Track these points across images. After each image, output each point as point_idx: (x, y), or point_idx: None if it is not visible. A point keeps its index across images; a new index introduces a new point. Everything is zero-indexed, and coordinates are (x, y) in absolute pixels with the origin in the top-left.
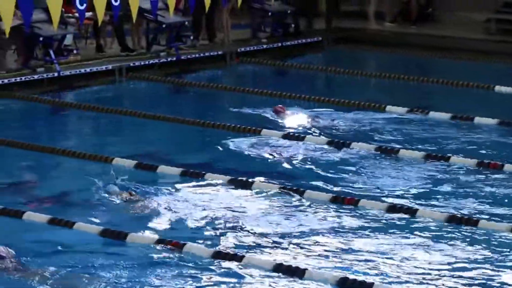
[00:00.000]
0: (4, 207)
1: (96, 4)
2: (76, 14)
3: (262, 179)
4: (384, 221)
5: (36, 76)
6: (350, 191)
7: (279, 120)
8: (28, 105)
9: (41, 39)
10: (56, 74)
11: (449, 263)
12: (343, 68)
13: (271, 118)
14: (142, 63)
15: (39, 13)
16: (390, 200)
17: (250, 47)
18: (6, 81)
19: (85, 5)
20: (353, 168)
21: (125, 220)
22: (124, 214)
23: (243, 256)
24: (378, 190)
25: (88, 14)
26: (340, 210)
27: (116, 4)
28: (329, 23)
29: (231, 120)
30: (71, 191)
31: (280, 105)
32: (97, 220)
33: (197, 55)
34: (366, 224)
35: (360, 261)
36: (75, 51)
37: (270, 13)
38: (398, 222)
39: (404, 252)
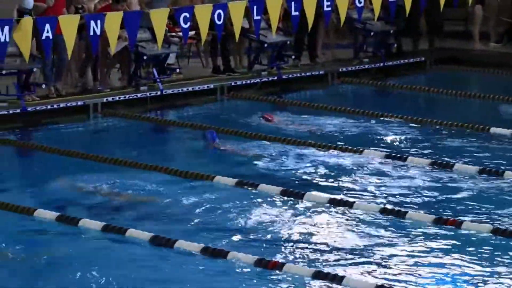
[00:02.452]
0: (107, 224)
1: (200, 23)
2: (180, 33)
3: (363, 199)
4: (488, 243)
5: (139, 95)
6: (453, 213)
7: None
8: (131, 123)
9: (145, 58)
10: (159, 93)
11: None
12: (446, 89)
13: (373, 138)
14: (244, 82)
15: (143, 32)
16: (493, 222)
17: (351, 67)
18: (110, 99)
19: (189, 23)
20: (455, 190)
21: (224, 238)
22: (223, 232)
23: (343, 277)
24: (482, 212)
25: (190, 33)
26: (442, 232)
27: (220, 23)
28: (432, 43)
29: (332, 139)
30: (172, 208)
31: (269, 114)
32: (200, 239)
33: (298, 75)
34: (469, 246)
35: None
36: (177, 70)
37: (372, 33)
38: (503, 245)
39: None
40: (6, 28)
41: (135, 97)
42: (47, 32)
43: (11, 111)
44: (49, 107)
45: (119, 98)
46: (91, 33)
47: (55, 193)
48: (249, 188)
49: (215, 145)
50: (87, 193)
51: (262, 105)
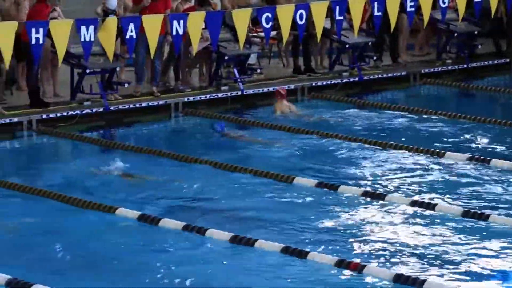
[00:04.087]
0: (187, 223)
1: (282, 23)
2: (261, 33)
3: (445, 201)
4: None
5: (220, 95)
6: None
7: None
8: (212, 122)
9: (226, 58)
10: (239, 93)
11: None
12: None
13: (455, 140)
14: (324, 83)
15: (224, 33)
16: None
17: (434, 68)
18: (191, 98)
19: (271, 23)
20: None
21: (304, 238)
22: (303, 232)
23: (425, 281)
24: None
25: (271, 33)
26: None
27: (302, 23)
28: None
29: (413, 141)
30: (251, 208)
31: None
32: (280, 239)
33: (379, 76)
34: None
35: None
36: (258, 70)
37: (456, 34)
38: None
39: None
40: (91, 28)
41: (215, 96)
42: (131, 31)
43: (94, 110)
44: (131, 106)
45: (200, 97)
46: (174, 33)
47: (137, 192)
48: (329, 189)
49: (225, 134)
50: (168, 192)
51: (342, 106)
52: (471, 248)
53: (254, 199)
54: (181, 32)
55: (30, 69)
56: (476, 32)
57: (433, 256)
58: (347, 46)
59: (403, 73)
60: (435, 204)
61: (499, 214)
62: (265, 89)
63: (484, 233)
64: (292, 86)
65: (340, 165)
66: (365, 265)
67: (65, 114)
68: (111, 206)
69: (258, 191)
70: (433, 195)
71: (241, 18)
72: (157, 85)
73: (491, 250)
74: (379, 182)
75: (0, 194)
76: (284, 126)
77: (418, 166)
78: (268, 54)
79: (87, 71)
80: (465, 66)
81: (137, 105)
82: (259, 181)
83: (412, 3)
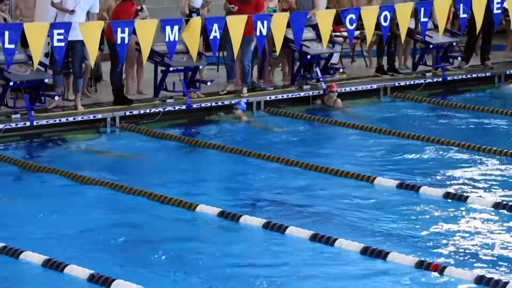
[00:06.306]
0: (268, 221)
1: (366, 24)
2: (344, 33)
3: None
4: None
5: (302, 94)
6: None
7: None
8: (292, 122)
9: (308, 57)
10: (321, 92)
11: None
12: None
13: None
14: (407, 83)
15: (307, 32)
16: None
17: None
18: (273, 97)
19: (355, 24)
20: None
21: (385, 239)
22: (384, 233)
23: (507, 283)
24: None
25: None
26: None
27: (386, 24)
28: None
29: (494, 143)
30: (331, 207)
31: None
32: (360, 239)
33: (463, 77)
34: None
35: None
36: (341, 70)
37: None
38: None
39: None
40: (176, 28)
41: (297, 95)
42: (215, 32)
43: (176, 107)
44: (213, 104)
45: (282, 96)
46: (257, 34)
47: (216, 190)
48: (411, 190)
49: (238, 114)
50: (249, 190)
51: (425, 106)
52: None
53: (334, 199)
54: (264, 33)
55: (115, 67)
56: None
57: None
58: (431, 46)
59: (487, 74)
60: None
61: None
62: (347, 89)
63: None
64: (374, 86)
65: (421, 166)
66: (445, 266)
67: (148, 111)
68: (191, 203)
69: (338, 191)
70: None
71: (325, 19)
72: (247, 86)
73: None
74: (461, 184)
75: (81, 190)
76: (364, 126)
77: (501, 168)
78: (351, 53)
79: (171, 69)
80: None
81: (219, 103)
82: (340, 180)
83: (499, 5)
